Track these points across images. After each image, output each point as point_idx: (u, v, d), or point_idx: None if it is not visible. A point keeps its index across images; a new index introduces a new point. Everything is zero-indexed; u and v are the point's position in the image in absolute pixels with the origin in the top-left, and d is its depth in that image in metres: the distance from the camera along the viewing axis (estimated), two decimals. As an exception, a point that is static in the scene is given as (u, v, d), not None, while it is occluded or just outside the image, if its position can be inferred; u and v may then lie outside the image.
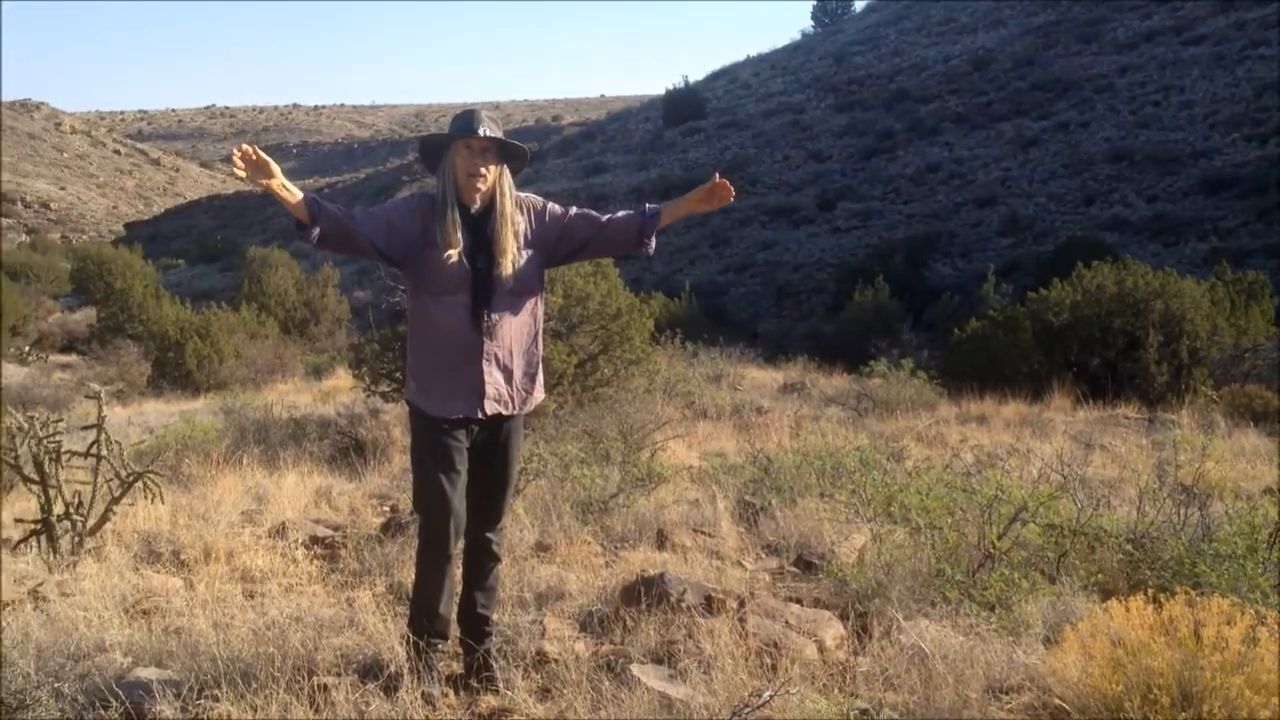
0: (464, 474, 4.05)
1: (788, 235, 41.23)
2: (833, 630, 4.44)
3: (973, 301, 25.95)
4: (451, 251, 3.95)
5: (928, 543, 5.33)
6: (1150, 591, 3.90)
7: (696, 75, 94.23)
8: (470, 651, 4.15)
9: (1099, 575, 5.19)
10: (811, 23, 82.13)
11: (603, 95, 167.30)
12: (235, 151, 3.76)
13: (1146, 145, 40.19)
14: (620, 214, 4.26)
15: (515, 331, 4.12)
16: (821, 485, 7.23)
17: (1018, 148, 44.20)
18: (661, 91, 68.74)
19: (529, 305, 4.17)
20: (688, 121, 60.62)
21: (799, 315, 33.14)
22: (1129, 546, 5.38)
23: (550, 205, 4.24)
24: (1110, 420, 14.28)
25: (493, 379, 4.06)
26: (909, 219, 40.02)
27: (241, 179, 3.76)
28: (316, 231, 3.88)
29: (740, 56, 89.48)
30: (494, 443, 4.14)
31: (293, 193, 3.84)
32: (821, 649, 4.29)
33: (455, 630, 4.22)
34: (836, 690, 3.90)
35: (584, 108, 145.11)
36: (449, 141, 4.05)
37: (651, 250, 4.20)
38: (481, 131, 3.97)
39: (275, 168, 3.79)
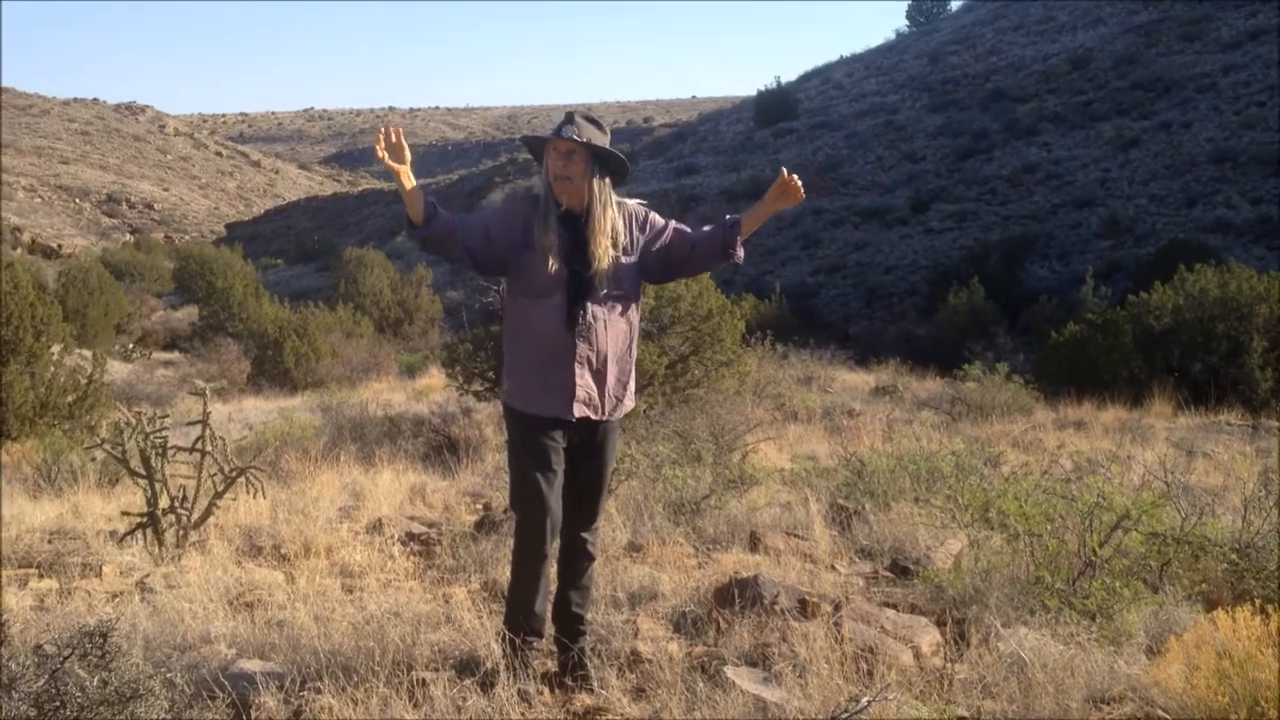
0: (560, 474, 4.08)
1: (880, 236, 40.84)
2: (929, 637, 4.39)
3: (1070, 305, 25.49)
4: (549, 254, 4.01)
5: (1026, 550, 5.25)
6: (1257, 602, 3.81)
7: (789, 76, 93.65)
8: (565, 650, 4.18)
9: (1203, 585, 5.08)
10: (906, 22, 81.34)
11: (694, 96, 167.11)
12: (380, 131, 3.93)
13: (1251, 146, 39.12)
14: (705, 229, 4.30)
15: (610, 336, 4.14)
16: (916, 490, 7.16)
17: (1118, 148, 43.31)
18: (753, 92, 68.50)
19: (625, 311, 4.19)
20: (779, 122, 60.29)
21: (891, 317, 32.82)
22: (1234, 556, 5.25)
23: (652, 215, 4.28)
24: (1212, 427, 13.95)
25: (584, 382, 4.09)
26: (1005, 220, 39.42)
27: (380, 157, 3.92)
28: (425, 233, 4.01)
29: (833, 57, 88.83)
30: (590, 444, 4.18)
31: (415, 186, 3.96)
32: (917, 655, 4.25)
33: (550, 628, 4.25)
34: (935, 697, 3.86)
35: (675, 109, 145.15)
36: (545, 142, 4.10)
37: (740, 258, 4.25)
38: (567, 135, 4.01)
39: (408, 156, 3.95)
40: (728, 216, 4.28)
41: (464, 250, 4.06)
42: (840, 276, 37.82)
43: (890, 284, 36.00)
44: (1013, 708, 3.77)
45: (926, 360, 22.54)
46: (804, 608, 4.56)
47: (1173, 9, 55.50)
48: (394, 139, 3.93)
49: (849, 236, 41.48)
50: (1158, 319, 17.52)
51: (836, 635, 4.20)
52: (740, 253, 4.21)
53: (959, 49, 65.85)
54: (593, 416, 4.14)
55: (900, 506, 6.71)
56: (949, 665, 4.17)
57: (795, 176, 4.10)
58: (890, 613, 4.59)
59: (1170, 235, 32.83)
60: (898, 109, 57.24)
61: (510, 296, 4.17)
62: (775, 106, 62.42)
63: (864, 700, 3.54)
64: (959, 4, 79.84)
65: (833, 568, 5.70)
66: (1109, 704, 3.83)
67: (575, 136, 4.01)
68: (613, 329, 4.15)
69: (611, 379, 4.16)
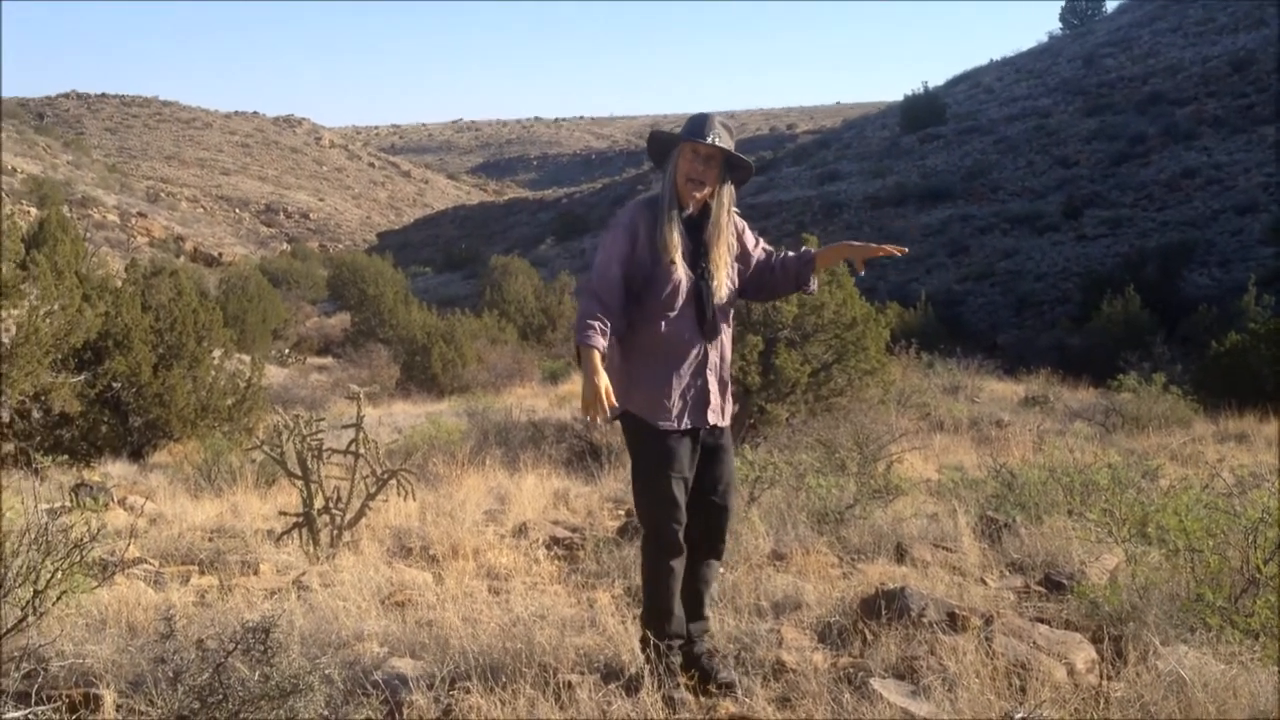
0: (690, 479, 4.11)
1: (1030, 243, 39.90)
2: (1084, 653, 4.26)
3: (1231, 314, 24.53)
4: (674, 257, 4.00)
5: (1186, 566, 5.06)
6: None
7: (936, 80, 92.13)
8: (709, 656, 4.17)
9: (1375, 606, 4.83)
10: (1059, 24, 79.33)
11: (838, 102, 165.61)
12: (595, 410, 3.89)
13: None
14: (782, 255, 4.36)
15: (727, 342, 4.21)
16: (1070, 502, 6.96)
17: (1282, 151, 41.59)
18: (899, 98, 67.67)
19: (731, 316, 4.26)
20: (927, 128, 59.41)
21: (1041, 326, 32.00)
22: None
23: (747, 228, 4.32)
24: (1384, 441, 13.27)
25: (714, 389, 4.14)
26: (1162, 226, 38.13)
27: (606, 421, 3.98)
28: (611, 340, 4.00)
29: (982, 60, 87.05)
30: (717, 449, 4.19)
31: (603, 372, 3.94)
32: (1072, 672, 4.12)
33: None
34: (1090, 715, 3.74)
35: (819, 115, 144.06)
36: (677, 142, 4.08)
37: (813, 290, 4.42)
38: (710, 139, 4.00)
39: (613, 400, 3.92)
40: (804, 249, 4.39)
41: (624, 310, 4.04)
42: (988, 284, 37.06)
43: (1041, 292, 35.14)
44: (1173, 729, 3.64)
45: (1079, 370, 21.95)
46: (953, 621, 4.47)
47: (1341, 7, 53.08)
48: (606, 403, 3.88)
49: (998, 243, 40.64)
50: (1325, 328, 16.79)
51: (987, 650, 4.11)
52: (814, 285, 4.38)
53: (1114, 51, 64.01)
54: (719, 424, 4.17)
55: (1053, 520, 6.53)
56: (1105, 683, 4.04)
57: (891, 248, 4.20)
58: (1043, 628, 4.47)
59: (1338, 242, 31.40)
60: (1050, 113, 55.90)
61: (643, 313, 4.10)
62: (922, 111, 61.49)
63: (1017, 717, 3.46)
64: (1114, 5, 77.65)
65: (982, 581, 5.58)
66: (1275, 727, 3.67)
67: (718, 142, 4.00)
68: (727, 335, 4.21)
69: (728, 384, 4.22)
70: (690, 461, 4.09)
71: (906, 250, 4.35)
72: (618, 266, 4.03)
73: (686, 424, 4.08)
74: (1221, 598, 4.60)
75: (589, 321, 3.93)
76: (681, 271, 4.02)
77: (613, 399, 3.88)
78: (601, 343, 3.92)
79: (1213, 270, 33.43)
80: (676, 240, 4.01)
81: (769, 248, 4.39)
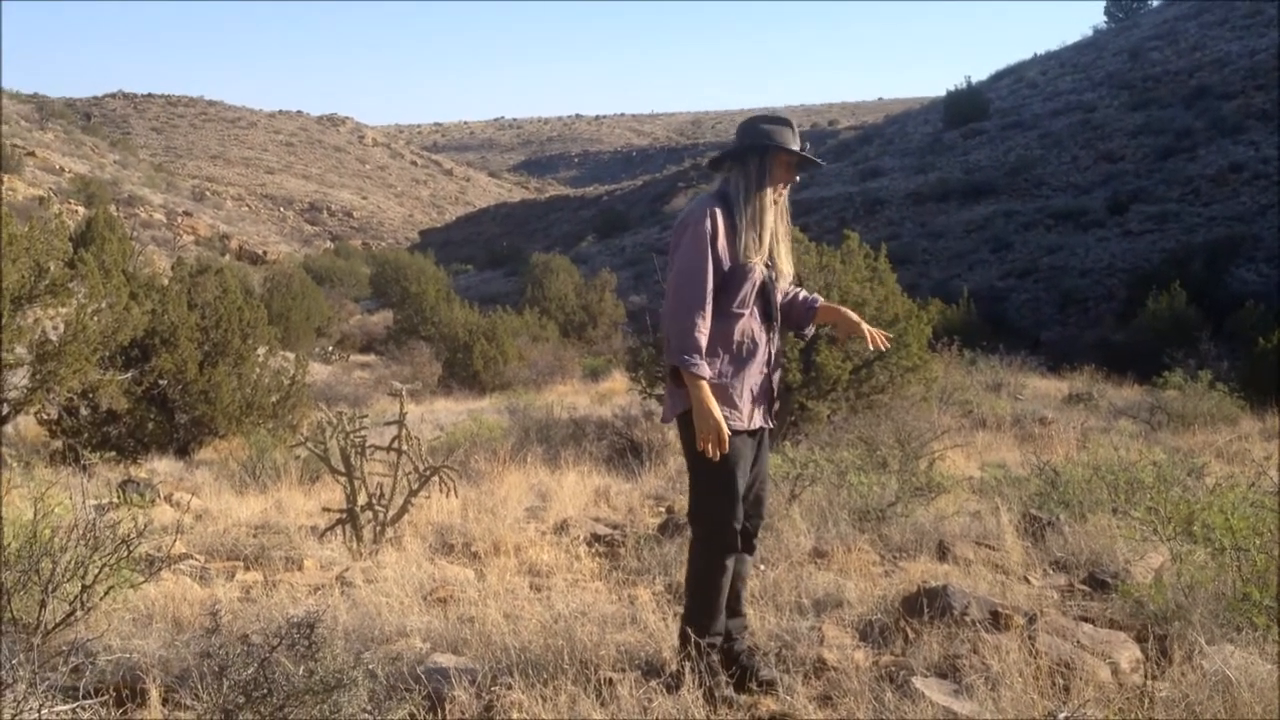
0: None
1: (1075, 239, 39.52)
2: (1128, 652, 4.23)
3: (1279, 310, 24.24)
4: (755, 259, 4.01)
5: (1232, 564, 5.01)
6: None
7: (980, 75, 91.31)
8: (750, 655, 4.17)
9: None
10: (1104, 18, 78.54)
11: (880, 98, 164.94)
12: (717, 446, 3.89)
13: None
14: (797, 293, 4.34)
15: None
16: (1114, 500, 6.89)
17: (1332, 145, 40.93)
18: (942, 93, 67.19)
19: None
20: (970, 123, 58.98)
21: (1086, 323, 31.72)
22: None
23: None
24: None
25: (775, 387, 4.19)
26: (1209, 222, 37.65)
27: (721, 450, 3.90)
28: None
29: (1026, 55, 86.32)
30: (761, 447, 4.20)
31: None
32: (1116, 672, 4.09)
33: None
34: (1134, 715, 3.71)
35: (861, 111, 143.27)
36: (769, 148, 4.05)
37: (807, 335, 4.49)
38: (809, 154, 4.10)
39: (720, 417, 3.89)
40: (814, 296, 4.38)
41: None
42: (1032, 280, 36.75)
43: (1085, 288, 34.81)
44: (1218, 729, 3.60)
45: (1123, 367, 21.75)
46: (996, 619, 4.44)
47: (1393, -2, 52.19)
48: (724, 437, 3.88)
49: (1041, 239, 40.30)
50: (1376, 325, 16.55)
51: (1030, 649, 4.08)
52: (810, 331, 4.42)
53: (1160, 45, 63.26)
54: (773, 422, 4.22)
55: (1097, 518, 6.48)
56: (1150, 683, 4.01)
57: (880, 336, 4.25)
58: (1087, 627, 4.44)
59: (1390, 237, 30.90)
60: (1095, 107, 55.34)
61: (725, 312, 4.04)
62: (965, 106, 61.07)
63: (1060, 716, 3.43)
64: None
65: (1025, 579, 5.54)
66: (1323, 728, 3.63)
67: (810, 155, 4.09)
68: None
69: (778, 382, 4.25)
70: (752, 460, 4.11)
71: (888, 344, 4.29)
72: (709, 266, 3.96)
73: (756, 423, 4.10)
74: (1268, 597, 4.54)
75: (695, 338, 3.90)
76: (759, 269, 4.04)
77: (722, 437, 3.87)
78: (709, 371, 3.91)
79: (1260, 266, 32.99)
80: (765, 245, 4.04)
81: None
